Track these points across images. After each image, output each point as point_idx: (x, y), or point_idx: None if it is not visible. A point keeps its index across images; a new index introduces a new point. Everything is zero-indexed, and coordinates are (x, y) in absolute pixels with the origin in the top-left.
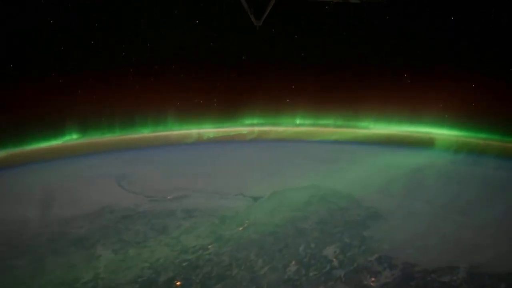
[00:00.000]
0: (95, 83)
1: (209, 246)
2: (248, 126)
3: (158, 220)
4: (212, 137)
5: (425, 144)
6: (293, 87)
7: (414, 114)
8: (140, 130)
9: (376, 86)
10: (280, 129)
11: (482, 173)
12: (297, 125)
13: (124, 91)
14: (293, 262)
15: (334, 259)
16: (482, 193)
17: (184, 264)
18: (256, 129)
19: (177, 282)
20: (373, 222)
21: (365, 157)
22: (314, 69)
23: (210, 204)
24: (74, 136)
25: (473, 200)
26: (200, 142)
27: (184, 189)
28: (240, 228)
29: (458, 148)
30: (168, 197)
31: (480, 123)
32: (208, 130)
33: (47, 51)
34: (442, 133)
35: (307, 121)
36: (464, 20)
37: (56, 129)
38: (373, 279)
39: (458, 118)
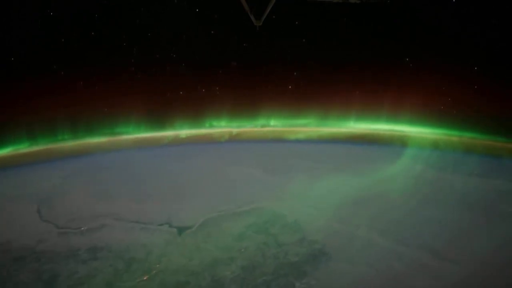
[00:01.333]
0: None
1: None
2: (224, 127)
3: (51, 265)
4: (185, 137)
5: (404, 143)
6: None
7: (395, 111)
8: (104, 133)
9: (357, 82)
10: (255, 129)
11: (463, 186)
12: (273, 125)
13: (88, 91)
14: None
15: None
16: (462, 220)
17: None
18: (234, 130)
19: None
20: (312, 266)
21: (332, 163)
22: (298, 68)
23: (124, 239)
24: (25, 143)
25: (449, 230)
26: (168, 145)
27: (106, 216)
28: (145, 278)
29: (439, 149)
30: (82, 228)
31: (465, 121)
32: (183, 131)
33: None
34: (424, 131)
35: (288, 121)
36: (457, 16)
37: (6, 135)
38: None
39: (440, 116)
